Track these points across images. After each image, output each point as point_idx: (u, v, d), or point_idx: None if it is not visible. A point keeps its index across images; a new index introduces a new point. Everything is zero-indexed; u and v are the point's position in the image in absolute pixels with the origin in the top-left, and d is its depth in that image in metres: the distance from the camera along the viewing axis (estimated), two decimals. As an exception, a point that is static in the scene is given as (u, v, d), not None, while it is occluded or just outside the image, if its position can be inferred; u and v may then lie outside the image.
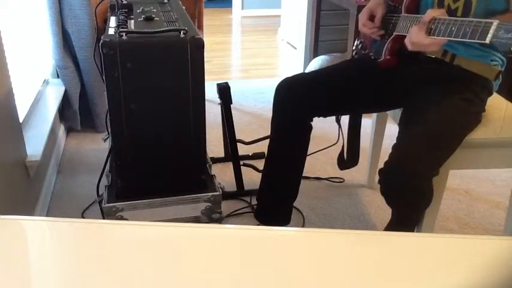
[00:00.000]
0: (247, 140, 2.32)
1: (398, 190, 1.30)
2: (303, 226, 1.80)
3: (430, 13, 1.18)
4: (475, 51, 1.32)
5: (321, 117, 1.56)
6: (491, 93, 1.39)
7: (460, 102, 1.30)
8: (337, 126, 1.76)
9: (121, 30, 1.32)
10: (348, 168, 1.91)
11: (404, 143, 1.28)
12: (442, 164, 1.28)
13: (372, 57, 1.48)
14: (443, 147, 1.28)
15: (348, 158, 1.88)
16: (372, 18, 1.45)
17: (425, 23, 1.18)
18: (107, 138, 2.37)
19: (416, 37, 1.21)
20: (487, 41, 1.00)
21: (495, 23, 0.99)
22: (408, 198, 1.32)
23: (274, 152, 1.62)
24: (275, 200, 1.67)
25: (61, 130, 2.36)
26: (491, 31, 0.99)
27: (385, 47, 1.40)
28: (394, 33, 1.38)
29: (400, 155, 1.26)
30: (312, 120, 1.56)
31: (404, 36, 1.27)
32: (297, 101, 1.51)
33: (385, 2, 1.47)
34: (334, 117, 1.71)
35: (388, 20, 1.43)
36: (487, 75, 1.34)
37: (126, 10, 1.65)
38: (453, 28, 1.10)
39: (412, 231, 1.46)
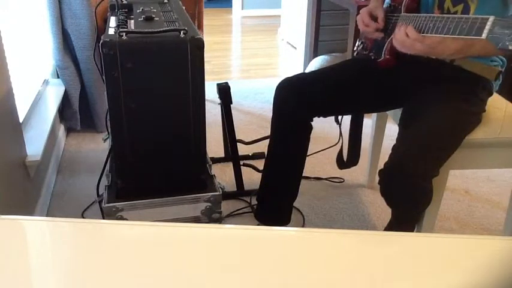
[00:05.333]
0: (247, 140, 2.32)
1: (398, 191, 1.30)
2: (303, 226, 1.80)
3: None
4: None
5: (321, 117, 1.56)
6: (492, 94, 1.39)
7: (460, 102, 1.30)
8: (338, 127, 1.76)
9: (121, 30, 1.32)
10: (348, 167, 1.91)
11: (404, 143, 1.28)
12: (442, 165, 1.28)
13: (372, 57, 1.48)
14: (443, 147, 1.28)
15: (349, 158, 1.88)
16: (372, 19, 1.45)
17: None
18: (107, 138, 2.37)
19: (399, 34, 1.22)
20: (484, 36, 0.99)
21: (491, 18, 0.99)
22: (408, 198, 1.32)
23: (274, 152, 1.62)
24: (275, 200, 1.67)
25: (61, 130, 2.36)
26: (487, 27, 0.99)
27: (385, 47, 1.40)
28: (394, 33, 1.38)
29: (399, 156, 1.26)
30: (312, 120, 1.56)
31: None
32: (297, 101, 1.51)
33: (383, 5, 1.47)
34: (334, 117, 1.71)
35: (388, 19, 1.43)
36: (487, 75, 1.34)
37: (126, 10, 1.65)
38: (450, 25, 1.10)
39: (412, 231, 1.46)
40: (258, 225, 1.72)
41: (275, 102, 1.55)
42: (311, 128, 1.57)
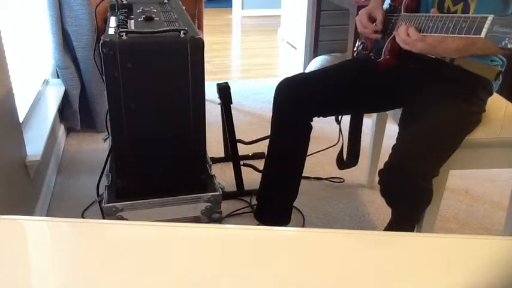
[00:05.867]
0: (247, 140, 2.32)
1: (398, 191, 1.30)
2: (303, 226, 1.80)
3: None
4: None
5: (321, 117, 1.56)
6: (492, 94, 1.39)
7: (460, 102, 1.30)
8: (338, 127, 1.75)
9: (121, 30, 1.32)
10: (348, 167, 1.91)
11: (404, 143, 1.28)
12: (442, 165, 1.27)
13: (372, 57, 1.48)
14: (443, 148, 1.28)
15: (348, 158, 1.88)
16: (371, 20, 1.45)
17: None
18: (106, 138, 2.37)
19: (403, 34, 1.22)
20: (483, 35, 0.99)
21: (490, 17, 0.99)
22: (408, 198, 1.32)
23: (274, 152, 1.62)
24: (275, 200, 1.67)
25: (61, 130, 2.36)
26: (486, 25, 0.99)
27: (385, 46, 1.40)
28: (394, 33, 1.37)
29: (399, 156, 1.26)
30: (312, 120, 1.56)
31: None
32: (297, 101, 1.51)
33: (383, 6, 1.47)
34: (334, 117, 1.71)
35: (387, 19, 1.43)
36: (487, 75, 1.34)
37: (126, 10, 1.65)
38: (450, 24, 1.10)
39: (412, 231, 1.46)
40: (258, 225, 1.72)
41: (275, 102, 1.55)
42: (311, 128, 1.57)
